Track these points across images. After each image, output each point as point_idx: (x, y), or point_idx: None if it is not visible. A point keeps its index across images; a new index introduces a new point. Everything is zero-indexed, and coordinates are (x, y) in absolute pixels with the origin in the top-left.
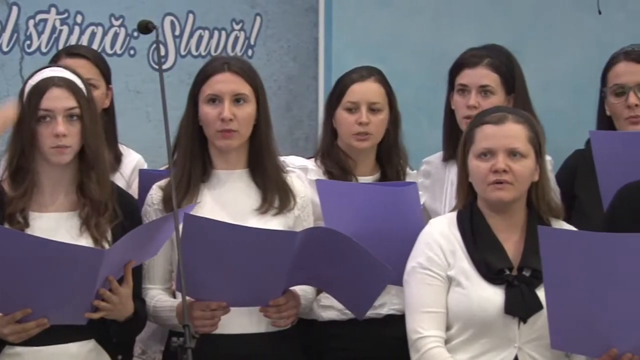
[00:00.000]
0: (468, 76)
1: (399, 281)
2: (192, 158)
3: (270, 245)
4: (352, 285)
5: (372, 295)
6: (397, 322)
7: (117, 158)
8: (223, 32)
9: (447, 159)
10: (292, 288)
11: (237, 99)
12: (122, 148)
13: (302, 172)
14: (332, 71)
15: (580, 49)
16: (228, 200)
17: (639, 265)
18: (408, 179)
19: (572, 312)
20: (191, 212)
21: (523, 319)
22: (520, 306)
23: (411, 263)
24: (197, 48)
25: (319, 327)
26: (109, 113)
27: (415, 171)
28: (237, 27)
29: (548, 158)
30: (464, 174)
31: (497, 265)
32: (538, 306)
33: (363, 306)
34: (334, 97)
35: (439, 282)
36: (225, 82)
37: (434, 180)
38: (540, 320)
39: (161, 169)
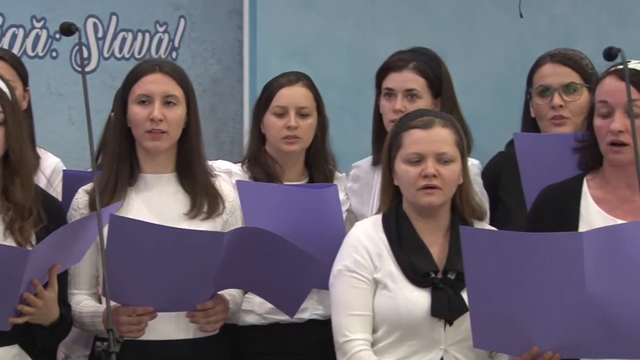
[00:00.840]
0: (394, 80)
1: (323, 285)
2: (119, 161)
3: (197, 247)
4: (283, 283)
5: (303, 290)
6: (319, 327)
7: (35, 161)
8: (147, 34)
9: (376, 163)
10: (220, 292)
11: (168, 101)
12: (40, 151)
13: (227, 176)
14: (257, 74)
15: (502, 52)
16: (156, 204)
17: (558, 265)
18: (336, 182)
19: (494, 311)
20: (117, 214)
21: (449, 321)
22: (445, 309)
23: (337, 266)
24: (121, 50)
25: (239, 331)
26: (27, 115)
27: (343, 174)
28: (160, 29)
29: (476, 162)
30: (389, 177)
31: (423, 269)
32: (463, 308)
33: (294, 304)
34: (262, 102)
35: (365, 285)
36: (157, 83)
37: (362, 184)
38: (465, 322)
39: (88, 170)
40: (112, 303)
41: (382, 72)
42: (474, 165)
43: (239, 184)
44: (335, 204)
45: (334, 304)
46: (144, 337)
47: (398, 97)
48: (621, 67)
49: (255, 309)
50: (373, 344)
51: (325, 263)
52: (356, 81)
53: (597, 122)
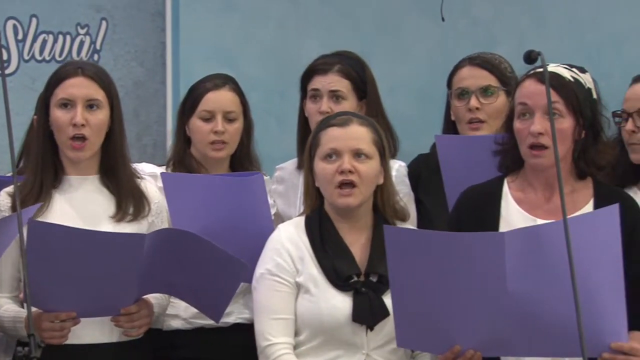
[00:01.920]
0: (319, 82)
1: (249, 279)
2: (43, 164)
3: (118, 250)
4: (207, 287)
5: (228, 293)
6: (244, 331)
7: None
8: (68, 37)
9: (301, 166)
10: (144, 296)
11: (90, 105)
12: None
13: (152, 179)
14: (180, 76)
15: (424, 55)
16: (81, 206)
17: (481, 264)
18: None
19: (417, 310)
20: (39, 219)
21: (370, 326)
22: (367, 314)
23: (259, 269)
24: (41, 52)
25: (164, 336)
26: None
27: (268, 176)
28: (82, 31)
29: (403, 164)
30: (311, 178)
31: (345, 272)
32: (385, 313)
33: (219, 308)
34: (188, 105)
35: (287, 289)
36: (79, 87)
37: (287, 186)
38: (387, 326)
39: (8, 175)
40: (35, 309)
41: (307, 75)
42: (402, 166)
43: (164, 177)
44: (261, 192)
45: (256, 308)
46: (67, 342)
47: (324, 98)
48: (541, 69)
49: (180, 313)
50: (295, 348)
51: (252, 256)
52: (280, 84)
53: (517, 124)
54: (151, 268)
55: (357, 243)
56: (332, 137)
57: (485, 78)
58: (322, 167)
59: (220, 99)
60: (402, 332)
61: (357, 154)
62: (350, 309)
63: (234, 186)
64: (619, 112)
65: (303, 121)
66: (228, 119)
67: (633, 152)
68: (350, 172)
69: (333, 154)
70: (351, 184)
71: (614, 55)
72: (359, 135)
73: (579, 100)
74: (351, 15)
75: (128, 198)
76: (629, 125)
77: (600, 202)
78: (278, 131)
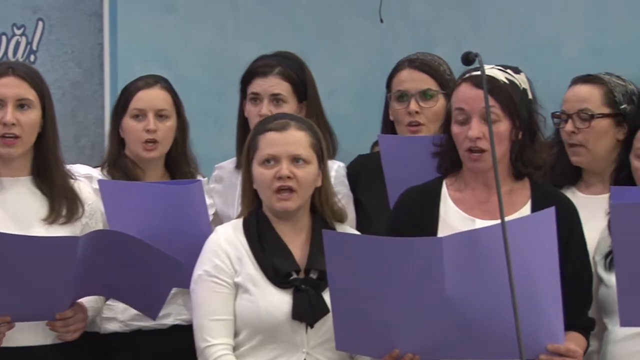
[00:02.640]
0: (259, 85)
1: (186, 284)
2: None
3: (51, 254)
4: (143, 286)
5: (164, 292)
6: (183, 333)
7: None
8: (3, 37)
9: (240, 166)
10: (79, 300)
11: (21, 104)
12: None
13: (87, 181)
14: (118, 77)
15: (363, 56)
16: (13, 208)
17: (419, 268)
18: None
19: (356, 314)
20: None
21: (310, 324)
22: (307, 312)
23: (198, 271)
24: None
25: (102, 339)
26: None
27: (206, 178)
28: (18, 32)
29: (342, 164)
30: (248, 180)
31: (284, 269)
32: (324, 310)
33: (156, 306)
34: (120, 105)
35: (226, 290)
36: (9, 86)
37: (226, 185)
38: (327, 324)
39: None
40: None
41: (247, 77)
42: (340, 167)
43: (101, 184)
44: (200, 200)
45: (195, 309)
46: (1, 345)
47: (264, 101)
48: (475, 73)
49: (118, 316)
50: (235, 348)
51: (190, 260)
52: (218, 85)
53: (455, 128)
54: (86, 270)
55: (296, 242)
56: (270, 142)
57: (424, 81)
58: (260, 172)
59: (151, 97)
60: (341, 336)
61: (296, 159)
62: (290, 307)
63: (172, 194)
64: (558, 113)
65: (242, 122)
66: (160, 116)
67: (573, 154)
68: (288, 177)
69: (271, 159)
70: (289, 189)
71: (551, 56)
72: (297, 140)
73: (514, 103)
74: (290, 17)
75: (61, 200)
76: (569, 127)
77: (537, 202)
78: (216, 132)
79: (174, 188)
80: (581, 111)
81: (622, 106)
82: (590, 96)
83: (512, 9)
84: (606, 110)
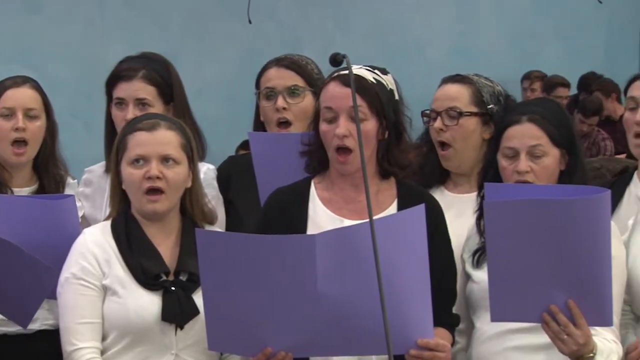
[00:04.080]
0: (124, 90)
1: (54, 294)
2: None
3: None
4: (13, 292)
5: (36, 300)
6: (49, 337)
7: None
8: None
9: (109, 169)
10: None
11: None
12: None
13: None
14: None
15: (232, 57)
16: None
17: (291, 266)
18: (68, 189)
19: (229, 313)
20: None
21: (180, 325)
22: (176, 313)
23: (65, 274)
24: None
25: None
26: None
27: (75, 180)
28: None
29: (211, 167)
30: (117, 181)
31: (153, 271)
32: (194, 312)
33: (27, 314)
34: None
35: (93, 292)
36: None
37: (95, 189)
38: (197, 325)
39: None
40: None
41: (112, 81)
42: (210, 169)
43: None
44: (72, 215)
45: (61, 312)
46: None
47: (129, 106)
48: (343, 72)
49: None
50: (103, 352)
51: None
52: (86, 86)
53: (323, 127)
54: None
55: (165, 244)
56: (139, 142)
57: (291, 78)
58: (129, 173)
59: (20, 96)
60: (214, 336)
61: (165, 160)
62: (159, 309)
63: (43, 208)
64: (427, 111)
65: (110, 125)
66: (29, 116)
67: (442, 157)
68: (158, 178)
69: (140, 159)
70: (159, 191)
71: (417, 58)
72: (166, 140)
73: (382, 102)
74: (158, 18)
75: None
76: (437, 124)
77: (403, 202)
78: (85, 134)
79: (45, 203)
80: (450, 109)
81: (490, 106)
82: (459, 95)
83: (379, 11)
84: (474, 109)
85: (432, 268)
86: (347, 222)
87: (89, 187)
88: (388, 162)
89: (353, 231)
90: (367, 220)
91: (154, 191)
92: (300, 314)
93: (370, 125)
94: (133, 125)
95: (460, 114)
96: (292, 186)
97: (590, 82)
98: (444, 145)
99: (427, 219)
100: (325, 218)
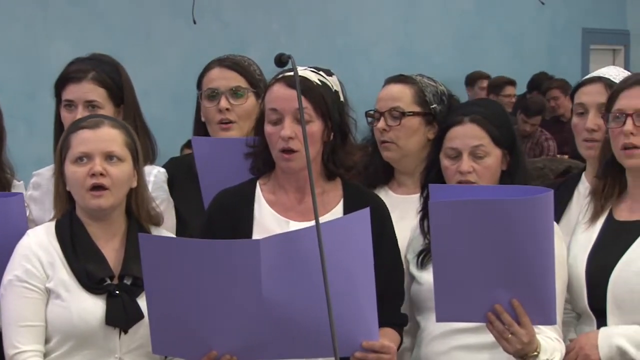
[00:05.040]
0: (73, 92)
1: None
2: None
3: None
4: None
5: None
6: None
7: None
8: None
9: None
10: None
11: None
12: None
13: None
14: None
15: (177, 58)
16: None
17: (235, 271)
18: (15, 191)
19: (173, 316)
20: None
21: (124, 329)
22: (120, 317)
23: (7, 276)
24: None
25: None
26: None
27: (21, 182)
28: None
29: (162, 169)
30: (61, 181)
31: (97, 275)
32: (139, 316)
33: None
34: None
35: (37, 295)
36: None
37: (43, 192)
38: (141, 329)
39: None
40: None
41: (61, 83)
42: (160, 172)
43: None
44: (20, 213)
45: (4, 315)
46: None
47: (79, 108)
48: (288, 73)
49: None
50: (46, 355)
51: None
52: (28, 86)
53: (268, 128)
54: None
55: (110, 247)
56: (83, 140)
57: (234, 79)
58: (72, 171)
59: None
60: (158, 339)
61: (109, 157)
62: (103, 312)
63: None
64: (371, 111)
65: (59, 127)
66: None
67: (385, 150)
68: (101, 174)
69: (84, 157)
70: (102, 187)
71: (362, 59)
72: (110, 137)
73: (327, 104)
74: (102, 17)
75: None
76: (381, 124)
77: (349, 202)
78: (27, 136)
79: None
80: (393, 109)
81: (433, 106)
82: (402, 95)
83: (324, 12)
84: (417, 109)
85: (379, 268)
86: (293, 224)
87: (37, 190)
88: (333, 163)
89: (298, 236)
90: (313, 224)
91: (98, 188)
92: (245, 318)
93: (316, 126)
94: (76, 125)
95: (403, 114)
96: (237, 188)
97: (541, 82)
98: (387, 144)
99: (374, 219)
100: (271, 220)
